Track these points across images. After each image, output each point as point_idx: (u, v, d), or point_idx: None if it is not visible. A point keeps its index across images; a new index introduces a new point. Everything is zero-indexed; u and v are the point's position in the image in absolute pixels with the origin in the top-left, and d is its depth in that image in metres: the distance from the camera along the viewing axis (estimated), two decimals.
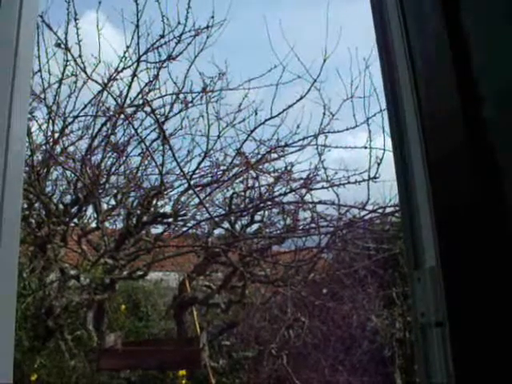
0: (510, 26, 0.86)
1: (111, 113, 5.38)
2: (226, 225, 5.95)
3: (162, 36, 4.93)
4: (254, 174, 5.85)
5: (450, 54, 0.89)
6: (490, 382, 0.79)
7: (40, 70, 5.06)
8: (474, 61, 0.88)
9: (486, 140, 0.85)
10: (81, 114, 5.41)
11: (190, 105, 5.51)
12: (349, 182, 5.20)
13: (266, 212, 6.10)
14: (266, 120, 5.36)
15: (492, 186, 0.84)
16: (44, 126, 5.44)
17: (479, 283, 0.83)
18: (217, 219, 5.74)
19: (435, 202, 0.91)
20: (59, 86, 5.24)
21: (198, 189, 5.78)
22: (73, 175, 5.78)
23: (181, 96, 5.39)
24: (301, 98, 5.15)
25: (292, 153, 5.72)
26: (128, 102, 5.21)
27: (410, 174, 0.99)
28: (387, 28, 1.04)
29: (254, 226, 6.13)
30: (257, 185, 5.91)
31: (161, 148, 5.57)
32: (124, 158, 5.98)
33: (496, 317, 0.80)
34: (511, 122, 0.84)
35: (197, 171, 5.76)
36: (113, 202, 6.25)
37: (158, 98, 5.34)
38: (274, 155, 5.78)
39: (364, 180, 5.03)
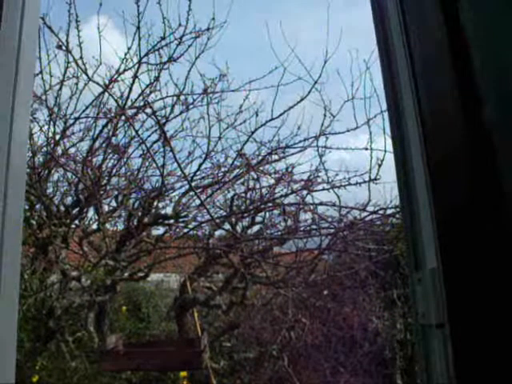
0: (509, 24, 0.86)
1: (112, 114, 5.39)
2: (227, 226, 5.95)
3: (163, 38, 4.93)
4: (255, 176, 5.85)
5: (449, 55, 0.89)
6: (490, 383, 0.79)
7: (41, 72, 5.07)
8: (474, 62, 0.88)
9: (486, 142, 0.86)
10: (82, 116, 5.42)
11: (190, 106, 5.51)
12: (350, 184, 5.20)
13: (267, 213, 6.10)
14: (267, 121, 5.36)
15: (492, 187, 0.84)
16: (45, 128, 5.45)
17: (480, 284, 0.83)
18: (218, 220, 5.73)
19: (436, 203, 0.91)
20: (60, 88, 5.25)
21: (199, 190, 5.78)
22: (74, 177, 5.79)
23: (182, 97, 5.39)
24: (301, 99, 5.15)
25: (293, 154, 5.72)
26: (129, 103, 5.21)
27: (410, 175, 0.99)
28: (387, 31, 1.05)
29: (255, 228, 6.14)
30: (258, 186, 5.92)
31: (162, 149, 5.58)
32: (125, 159, 5.99)
33: (497, 318, 0.80)
34: (511, 123, 0.84)
35: (198, 173, 5.76)
36: (114, 204, 6.25)
37: (159, 99, 5.35)
38: (275, 157, 5.77)
39: (365, 181, 5.02)
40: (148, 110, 5.26)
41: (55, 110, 5.34)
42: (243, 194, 5.97)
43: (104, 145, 5.66)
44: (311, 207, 5.61)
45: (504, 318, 0.79)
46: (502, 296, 0.79)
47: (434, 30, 0.93)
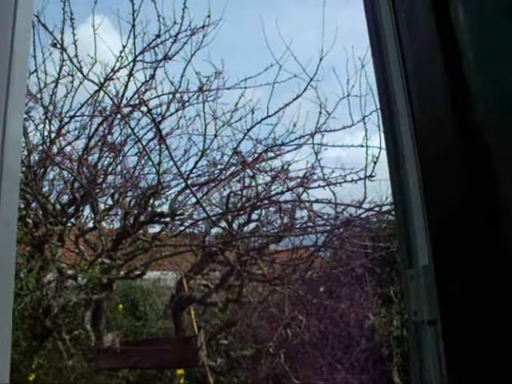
0: (502, 24, 0.86)
1: (108, 112, 5.38)
2: (223, 224, 5.95)
3: (158, 36, 4.93)
4: (251, 173, 5.85)
5: (441, 55, 0.90)
6: (481, 380, 0.80)
7: (36, 70, 5.06)
8: (466, 62, 0.88)
9: (478, 140, 0.86)
10: (77, 114, 5.42)
11: (186, 104, 5.51)
12: (345, 181, 5.22)
13: (263, 211, 6.11)
14: (263, 119, 5.36)
15: (484, 185, 0.84)
16: (40, 126, 5.44)
17: (472, 282, 0.83)
18: (214, 218, 5.74)
19: (428, 201, 0.91)
20: (55, 86, 5.25)
21: (195, 188, 5.78)
22: (70, 175, 5.78)
23: (177, 95, 5.40)
24: (297, 96, 5.16)
25: (289, 152, 5.73)
26: (124, 101, 5.21)
27: (403, 173, 1.00)
28: (380, 31, 1.05)
29: (251, 225, 6.14)
30: (254, 184, 5.92)
31: (157, 147, 5.58)
32: (121, 157, 5.98)
33: (488, 315, 0.81)
34: (503, 121, 0.85)
35: (194, 170, 5.77)
36: (110, 202, 6.26)
37: (155, 97, 5.35)
38: (271, 154, 5.79)
39: (360, 178, 5.04)
40: (143, 108, 5.25)
41: (50, 108, 5.33)
42: (239, 192, 5.97)
43: (100, 143, 5.66)
44: (307, 204, 5.62)
45: (495, 315, 0.79)
46: (493, 293, 0.80)
47: (425, 30, 0.93)
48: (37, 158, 5.63)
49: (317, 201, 5.47)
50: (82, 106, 5.33)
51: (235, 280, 5.91)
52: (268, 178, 5.92)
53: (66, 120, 5.45)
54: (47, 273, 5.77)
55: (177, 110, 5.54)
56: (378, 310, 6.39)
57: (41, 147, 5.57)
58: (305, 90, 5.10)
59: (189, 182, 5.62)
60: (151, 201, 5.92)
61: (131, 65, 5.02)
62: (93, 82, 5.01)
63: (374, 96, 4.76)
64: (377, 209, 5.42)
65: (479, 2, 0.91)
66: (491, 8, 0.88)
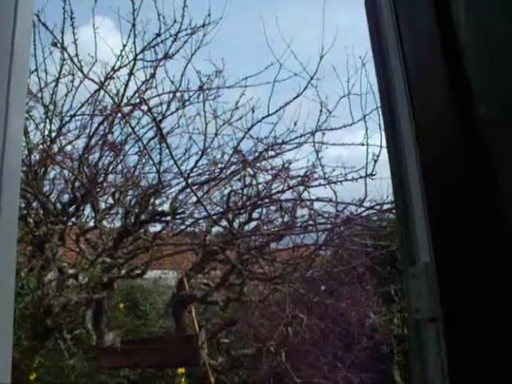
0: (503, 22, 0.86)
1: (108, 112, 5.38)
2: (224, 223, 5.95)
3: (159, 34, 4.93)
4: (252, 172, 5.85)
5: (441, 53, 0.90)
6: (483, 377, 0.80)
7: (37, 69, 5.06)
8: (466, 59, 0.88)
9: (479, 139, 0.86)
10: (78, 113, 5.41)
11: (186, 103, 5.52)
12: (346, 179, 5.22)
13: (264, 209, 6.11)
14: (263, 118, 5.36)
15: (485, 183, 0.84)
16: (41, 126, 5.44)
17: (473, 279, 0.83)
18: (215, 217, 5.74)
19: (429, 198, 0.91)
20: (56, 85, 5.25)
21: (196, 187, 5.78)
22: (70, 174, 5.78)
23: (178, 94, 5.40)
24: (298, 95, 5.16)
25: (289, 150, 5.73)
26: (125, 100, 5.21)
27: (404, 171, 1.00)
28: (381, 29, 1.05)
29: (252, 224, 6.14)
30: (254, 182, 5.92)
31: (158, 146, 5.58)
32: (121, 156, 5.98)
33: (490, 312, 0.81)
34: (504, 120, 0.85)
35: (194, 169, 5.77)
36: (111, 201, 6.25)
37: (155, 96, 5.35)
38: (272, 153, 5.79)
39: (361, 177, 5.04)
40: (144, 107, 5.25)
41: (51, 107, 5.33)
42: (240, 191, 5.97)
43: (100, 142, 5.66)
44: (308, 203, 5.61)
45: (497, 312, 0.79)
46: (495, 290, 0.80)
47: (426, 29, 0.93)
48: (37, 157, 5.63)
49: (317, 199, 5.48)
50: (83, 105, 5.33)
51: (236, 279, 5.91)
52: (269, 177, 5.93)
53: (67, 119, 5.46)
54: (48, 272, 5.77)
55: (177, 109, 5.54)
56: (378, 309, 6.39)
57: (41, 146, 5.57)
58: (305, 88, 5.11)
59: (189, 180, 5.63)
60: (152, 200, 5.92)
61: (131, 64, 5.03)
62: (93, 81, 5.02)
63: (374, 95, 4.77)
64: (377, 207, 5.42)
65: (480, 1, 0.91)
66: (492, 7, 0.88)
